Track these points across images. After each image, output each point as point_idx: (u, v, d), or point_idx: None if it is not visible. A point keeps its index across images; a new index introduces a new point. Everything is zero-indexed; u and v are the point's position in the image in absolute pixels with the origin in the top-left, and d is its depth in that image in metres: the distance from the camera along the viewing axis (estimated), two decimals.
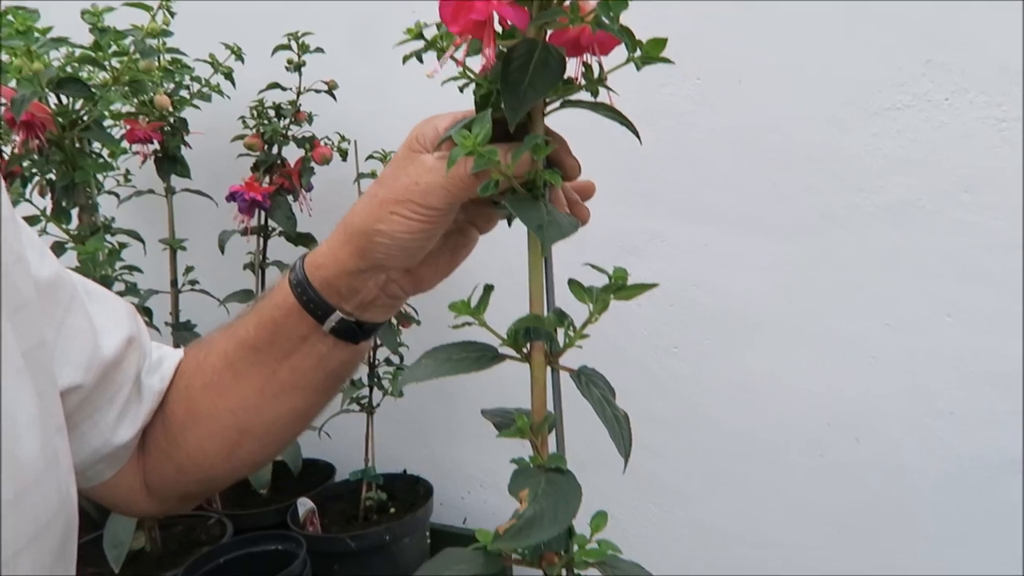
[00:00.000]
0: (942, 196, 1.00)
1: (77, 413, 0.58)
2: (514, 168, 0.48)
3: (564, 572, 0.56)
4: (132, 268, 1.21)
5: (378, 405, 1.36)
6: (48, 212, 1.08)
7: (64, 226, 1.08)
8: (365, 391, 1.34)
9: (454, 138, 0.47)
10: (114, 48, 1.14)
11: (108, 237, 1.18)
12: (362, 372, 1.35)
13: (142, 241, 1.28)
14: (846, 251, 1.06)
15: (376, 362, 1.34)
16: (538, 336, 0.54)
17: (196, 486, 0.66)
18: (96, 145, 1.19)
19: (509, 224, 0.59)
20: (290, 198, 1.34)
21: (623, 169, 1.21)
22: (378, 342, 1.33)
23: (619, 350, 1.25)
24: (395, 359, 1.34)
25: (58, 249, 1.07)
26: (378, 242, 0.54)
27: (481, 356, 0.55)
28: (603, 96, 0.55)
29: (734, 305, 1.16)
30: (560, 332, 0.55)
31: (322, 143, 1.33)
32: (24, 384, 0.47)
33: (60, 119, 1.04)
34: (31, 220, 1.07)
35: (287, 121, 1.33)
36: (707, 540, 1.22)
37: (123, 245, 1.20)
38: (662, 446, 1.24)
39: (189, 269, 1.48)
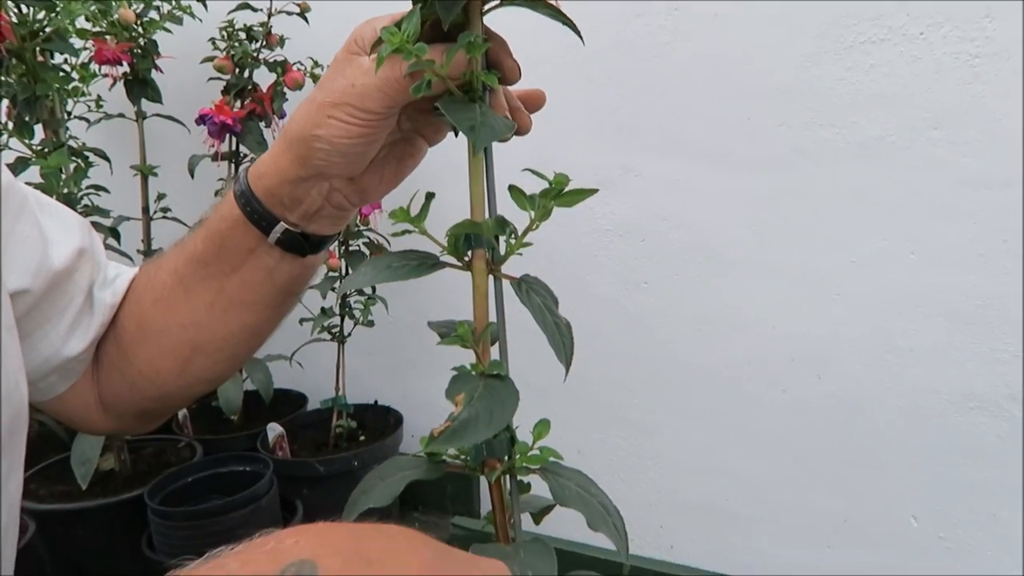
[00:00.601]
0: (912, 132, 0.99)
1: (27, 321, 0.58)
2: (448, 68, 0.46)
3: (507, 479, 0.57)
4: (99, 188, 1.19)
5: (349, 335, 1.37)
6: (10, 126, 1.06)
7: (27, 141, 1.06)
8: (336, 320, 1.34)
9: (382, 35, 0.46)
10: None
11: (75, 157, 1.17)
12: (333, 301, 1.35)
13: (108, 160, 1.26)
14: (816, 187, 1.06)
15: (347, 292, 1.34)
16: (479, 244, 0.53)
17: (151, 403, 0.65)
18: (60, 59, 1.17)
19: (456, 134, 0.58)
20: (262, 124, 1.32)
21: (598, 102, 1.20)
22: (348, 270, 1.33)
23: (589, 286, 1.26)
24: (367, 289, 1.34)
25: (20, 164, 1.05)
26: (317, 148, 0.53)
27: (421, 264, 0.55)
28: None
29: (704, 240, 1.16)
30: (502, 241, 0.55)
31: (294, 68, 1.31)
32: None
33: (20, 30, 1.01)
34: None
35: (258, 44, 1.30)
36: (670, 471, 1.24)
37: (89, 164, 1.18)
38: (629, 380, 1.25)
39: (161, 196, 1.46)
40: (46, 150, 1.05)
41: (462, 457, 0.56)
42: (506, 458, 0.55)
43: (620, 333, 1.25)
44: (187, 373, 0.63)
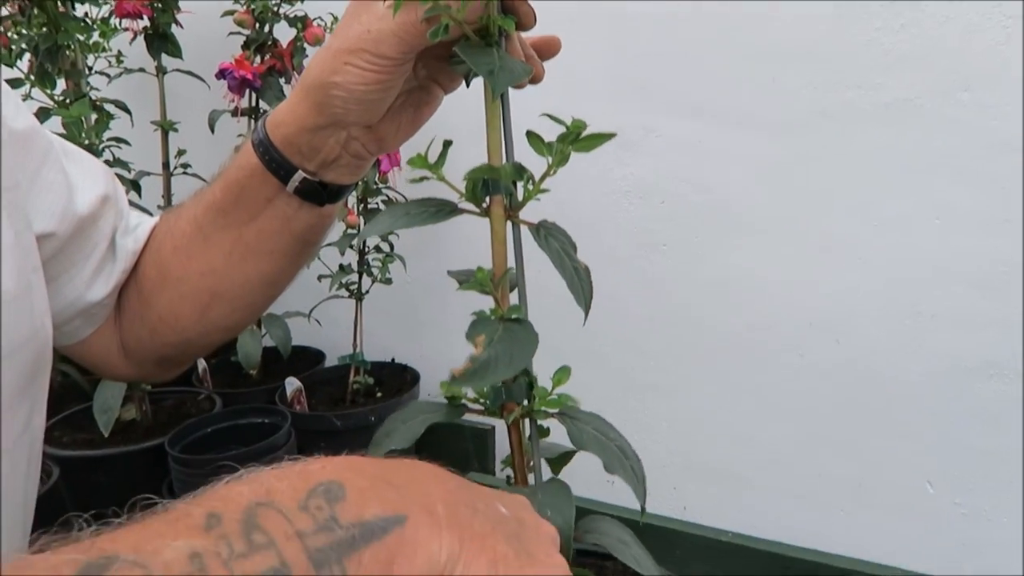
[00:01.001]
0: (940, 94, 0.98)
1: (53, 265, 0.58)
2: (464, 12, 0.46)
3: (527, 423, 0.58)
4: (120, 140, 1.20)
5: (367, 292, 1.37)
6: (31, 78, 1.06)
7: (49, 91, 1.07)
8: (354, 277, 1.35)
9: None
10: None
11: (96, 110, 1.17)
12: (352, 258, 1.36)
13: (128, 112, 1.27)
14: (839, 149, 1.05)
15: (366, 249, 1.35)
16: (497, 190, 0.53)
17: (171, 349, 0.67)
18: (81, 12, 1.17)
19: (467, 84, 0.58)
20: (282, 80, 1.32)
21: (620, 63, 1.19)
22: None
23: (606, 248, 1.26)
24: (385, 246, 1.34)
25: (43, 115, 1.06)
26: (334, 95, 0.53)
27: (439, 210, 0.55)
28: None
29: (724, 203, 1.15)
30: (519, 187, 0.55)
31: (314, 23, 1.30)
32: None
33: None
34: (14, 83, 1.06)
35: None
36: (684, 434, 1.25)
37: (110, 116, 1.18)
38: (645, 343, 1.26)
39: (181, 152, 1.47)
40: (68, 101, 1.06)
41: (481, 401, 0.56)
42: (525, 402, 0.56)
43: (637, 296, 1.24)
44: (206, 320, 0.64)
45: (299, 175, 0.58)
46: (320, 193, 0.60)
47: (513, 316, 0.53)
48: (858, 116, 1.03)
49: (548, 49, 0.57)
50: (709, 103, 1.13)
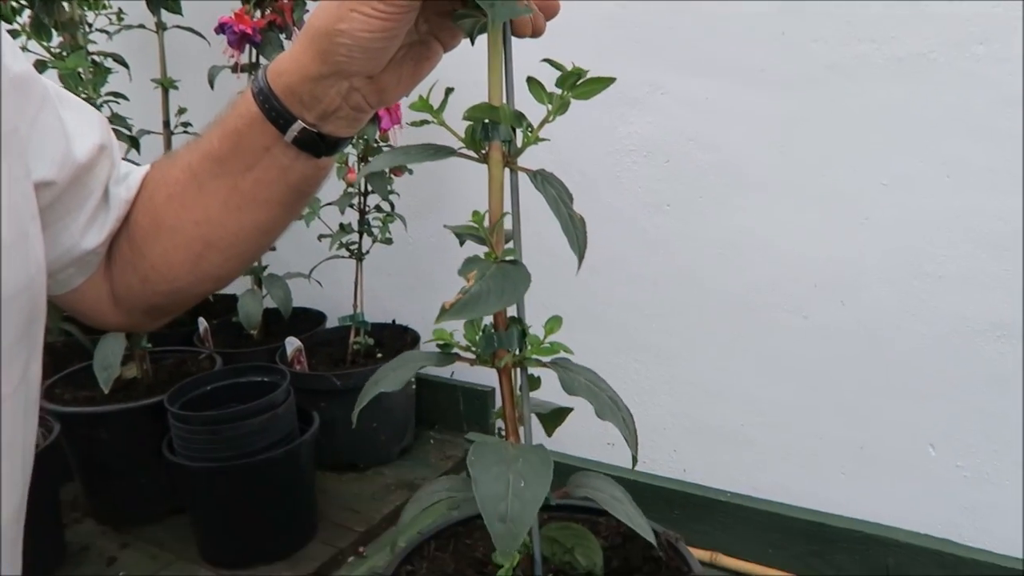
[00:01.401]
0: (955, 48, 0.95)
1: (49, 213, 0.58)
2: None
3: (518, 373, 0.57)
4: (118, 95, 1.19)
5: (367, 252, 1.36)
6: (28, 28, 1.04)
7: (45, 43, 1.05)
8: (355, 237, 1.34)
9: None
10: None
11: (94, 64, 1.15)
12: (352, 218, 1.35)
13: (126, 66, 1.25)
14: (849, 105, 1.02)
15: (367, 209, 1.33)
16: (496, 135, 0.53)
17: (161, 298, 0.67)
18: None
19: (472, 40, 0.58)
20: (282, 36, 1.30)
21: (625, 17, 1.16)
22: (369, 189, 1.32)
23: (610, 208, 1.24)
24: (385, 206, 1.33)
25: (39, 67, 1.04)
26: (339, 43, 0.53)
27: (438, 151, 0.54)
28: None
29: (730, 161, 1.13)
30: (518, 134, 0.54)
31: None
32: None
33: None
34: (11, 35, 1.04)
35: None
36: (686, 396, 1.24)
37: (108, 70, 1.17)
38: (647, 303, 1.24)
39: (182, 111, 1.46)
40: (64, 53, 1.04)
41: (473, 349, 0.56)
42: (517, 350, 0.55)
43: (640, 256, 1.23)
44: (198, 269, 0.64)
45: (298, 125, 0.57)
46: (318, 144, 0.59)
47: (507, 258, 0.52)
48: (869, 71, 1.00)
49: (547, 11, 0.57)
50: (716, 59, 1.11)
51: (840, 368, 1.10)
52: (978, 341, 1.00)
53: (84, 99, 1.08)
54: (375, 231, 1.33)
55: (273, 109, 0.57)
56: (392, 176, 1.30)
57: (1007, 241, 0.97)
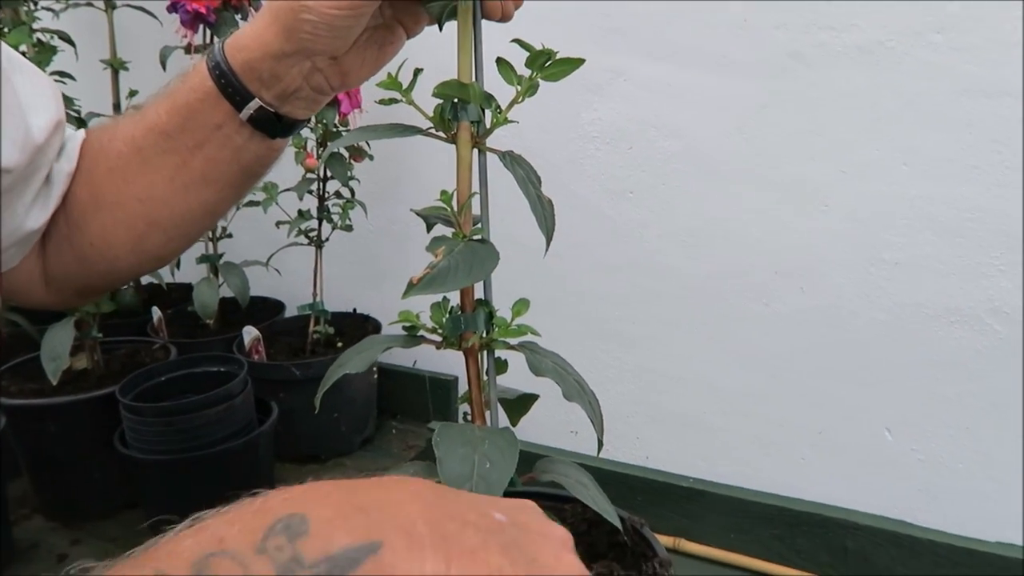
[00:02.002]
0: (914, 36, 0.96)
1: (3, 196, 0.55)
2: None
3: (485, 356, 0.56)
4: (64, 75, 1.14)
5: (327, 239, 1.34)
6: None
7: None
8: (314, 223, 1.31)
9: None
10: None
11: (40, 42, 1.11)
12: (311, 204, 1.32)
13: (72, 43, 1.20)
14: (810, 93, 1.03)
15: (326, 195, 1.31)
16: (464, 115, 0.52)
17: (99, 278, 0.64)
18: None
19: (440, 27, 0.57)
20: (238, 16, 1.26)
21: (588, 2, 1.15)
22: (328, 175, 1.30)
23: (573, 195, 1.23)
24: (345, 192, 1.30)
25: None
26: (305, 19, 0.52)
27: (405, 129, 0.54)
28: None
29: (693, 148, 1.13)
30: (487, 115, 0.54)
31: None
32: None
33: None
34: None
35: None
36: (649, 383, 1.24)
37: (54, 48, 1.12)
38: (610, 291, 1.24)
39: (133, 93, 1.41)
40: (5, 28, 1.00)
41: (439, 331, 0.55)
42: (484, 333, 0.54)
43: (603, 243, 1.23)
44: (140, 249, 0.61)
45: (255, 103, 0.56)
46: (274, 124, 0.58)
47: (476, 237, 0.51)
48: (831, 59, 1.01)
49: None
50: (679, 45, 1.11)
51: (800, 354, 1.12)
52: (933, 326, 1.02)
53: None
54: (335, 218, 1.31)
55: (230, 85, 0.55)
56: (352, 162, 1.28)
57: (962, 229, 0.98)
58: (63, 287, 0.64)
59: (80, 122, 1.18)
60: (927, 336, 1.03)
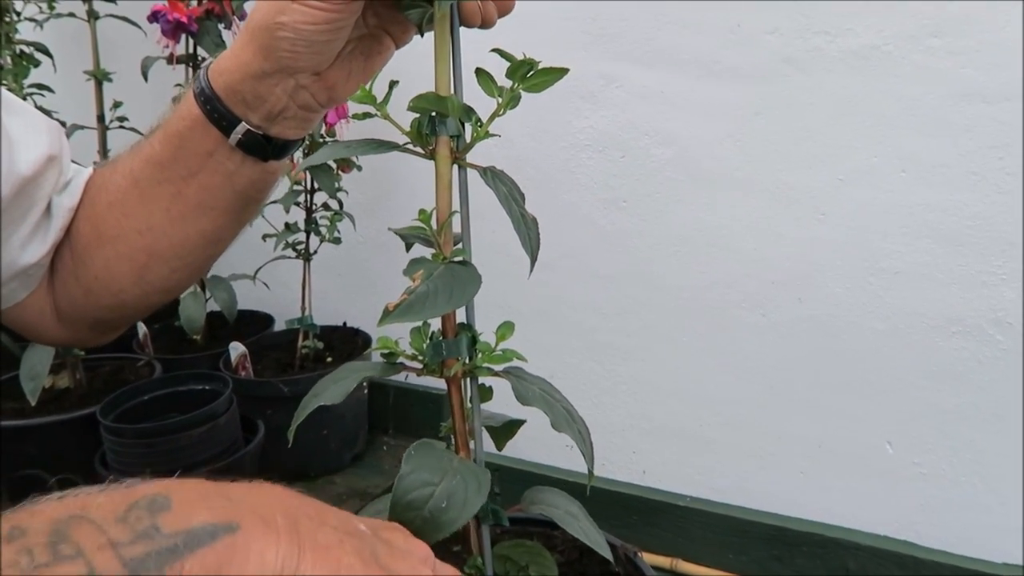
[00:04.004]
0: (910, 40, 0.94)
1: None
2: None
3: (468, 383, 0.53)
4: (42, 87, 1.12)
5: (315, 252, 1.31)
6: None
7: None
8: (302, 236, 1.29)
9: None
10: None
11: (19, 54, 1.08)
12: (299, 217, 1.29)
13: (49, 55, 1.18)
14: (805, 99, 1.01)
15: (313, 207, 1.28)
16: (443, 130, 0.50)
17: (107, 312, 0.64)
18: None
19: (421, 34, 0.55)
20: (220, 25, 1.24)
21: (578, 8, 1.13)
22: (316, 186, 1.27)
23: (565, 205, 1.21)
24: (333, 204, 1.28)
25: None
26: (281, 36, 0.50)
27: (381, 145, 0.51)
28: None
29: (686, 156, 1.11)
30: (467, 129, 0.51)
31: None
32: None
33: None
34: None
35: None
36: (644, 396, 1.22)
37: (34, 61, 1.10)
38: (604, 303, 1.22)
39: (117, 104, 1.39)
40: None
41: (420, 357, 0.52)
42: (467, 359, 0.51)
43: (596, 253, 1.20)
44: (144, 281, 0.61)
45: (242, 127, 0.55)
46: (264, 147, 0.57)
47: (457, 259, 0.48)
48: (825, 64, 0.99)
49: (502, 8, 0.55)
50: (672, 51, 1.08)
51: (798, 365, 1.09)
52: (934, 337, 1.00)
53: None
54: (323, 230, 1.28)
55: (215, 110, 0.55)
56: (340, 173, 1.26)
57: (962, 236, 0.96)
58: (75, 323, 0.64)
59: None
60: (928, 347, 1.00)
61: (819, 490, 1.10)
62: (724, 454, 1.16)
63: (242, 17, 1.25)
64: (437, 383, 1.53)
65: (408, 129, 0.51)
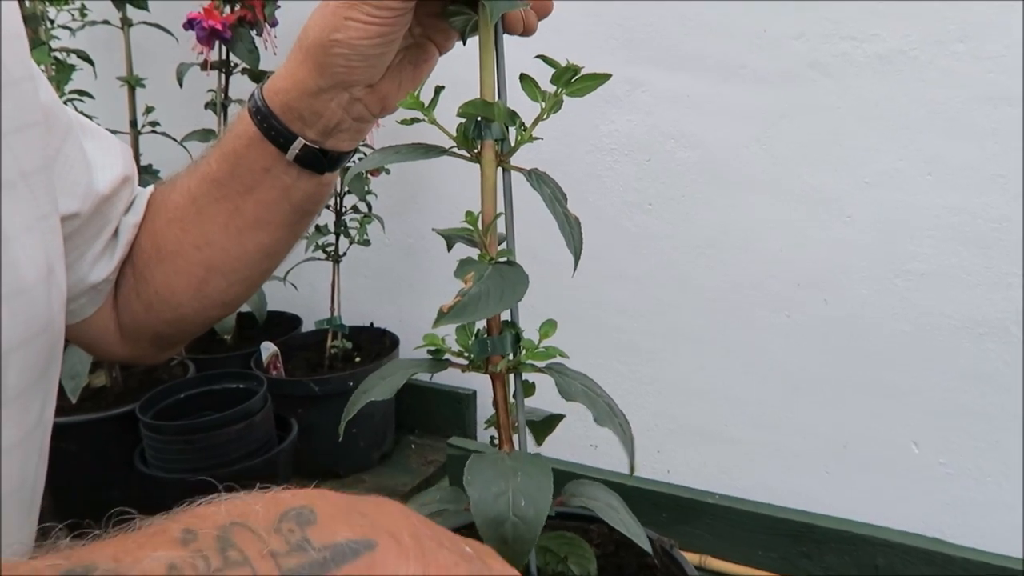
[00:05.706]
0: (936, 45, 0.95)
1: (68, 242, 0.57)
2: None
3: (512, 378, 0.55)
4: (83, 93, 1.15)
5: (344, 254, 1.33)
6: None
7: None
8: (331, 238, 1.31)
9: None
10: None
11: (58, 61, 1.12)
12: (328, 219, 1.32)
13: (91, 62, 1.21)
14: (831, 103, 1.02)
15: (343, 209, 1.31)
16: (488, 134, 0.52)
17: (167, 327, 0.65)
18: None
19: (464, 42, 0.57)
20: (253, 32, 1.27)
21: (605, 13, 1.15)
22: (346, 189, 1.30)
23: (591, 207, 1.22)
24: (363, 207, 1.30)
25: None
26: (336, 53, 0.52)
27: (429, 150, 0.53)
28: None
29: (712, 160, 1.12)
30: (511, 132, 0.53)
31: None
32: (21, 196, 0.47)
33: None
34: None
35: None
36: (669, 396, 1.23)
37: (72, 67, 1.13)
38: (630, 304, 1.23)
39: (149, 109, 1.41)
40: None
41: (466, 354, 0.54)
42: (511, 356, 0.53)
43: (622, 256, 1.22)
44: (202, 295, 0.63)
45: (299, 142, 0.57)
46: (320, 160, 0.58)
47: (503, 259, 0.50)
48: (852, 68, 1.00)
49: (540, 10, 0.56)
50: (697, 56, 1.10)
51: (824, 366, 1.10)
52: (960, 338, 1.01)
53: None
54: (352, 232, 1.30)
55: (272, 128, 0.56)
56: (369, 176, 1.28)
57: (988, 238, 0.97)
58: (138, 338, 0.66)
59: None
60: (953, 348, 1.01)
61: (845, 489, 1.10)
62: (749, 453, 1.17)
63: (274, 24, 1.27)
64: (463, 384, 1.55)
65: (454, 133, 0.53)
